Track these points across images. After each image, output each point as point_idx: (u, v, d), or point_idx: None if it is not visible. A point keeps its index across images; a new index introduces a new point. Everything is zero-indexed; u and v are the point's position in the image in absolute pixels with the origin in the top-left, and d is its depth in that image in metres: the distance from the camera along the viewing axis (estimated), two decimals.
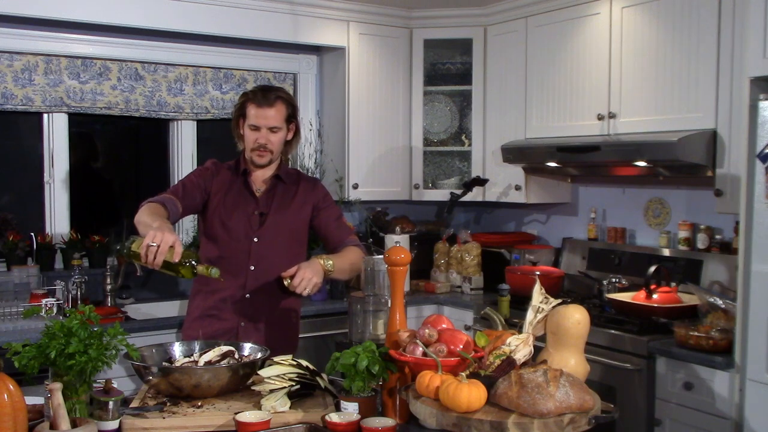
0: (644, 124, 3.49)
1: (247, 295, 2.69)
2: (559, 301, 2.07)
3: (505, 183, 4.29)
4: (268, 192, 2.77)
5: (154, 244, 2.19)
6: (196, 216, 4.17)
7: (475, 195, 4.42)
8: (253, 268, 2.70)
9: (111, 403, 1.82)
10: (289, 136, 2.77)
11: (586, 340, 2.02)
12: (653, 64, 3.46)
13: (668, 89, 3.41)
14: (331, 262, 2.61)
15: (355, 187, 4.34)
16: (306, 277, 2.44)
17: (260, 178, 2.79)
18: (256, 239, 2.71)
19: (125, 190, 4.42)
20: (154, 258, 2.19)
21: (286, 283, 2.48)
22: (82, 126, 4.06)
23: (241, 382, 2.08)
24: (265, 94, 2.70)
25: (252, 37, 4.07)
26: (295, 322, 2.81)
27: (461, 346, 1.97)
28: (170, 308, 3.92)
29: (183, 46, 4.08)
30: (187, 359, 2.17)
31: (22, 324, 3.18)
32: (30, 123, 3.88)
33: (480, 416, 1.73)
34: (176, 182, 2.83)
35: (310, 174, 4.43)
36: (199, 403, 1.97)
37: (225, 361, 2.10)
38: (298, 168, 4.44)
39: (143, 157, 4.44)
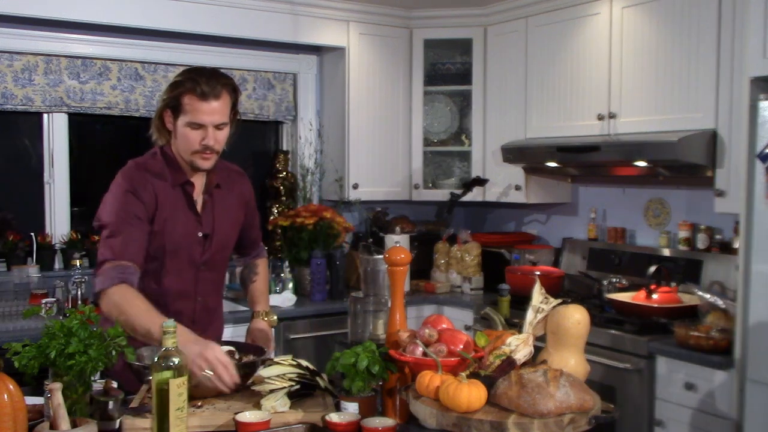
0: (644, 124, 3.49)
1: (194, 326, 2.24)
2: (559, 301, 2.07)
3: (505, 183, 4.29)
4: (207, 205, 2.34)
5: (210, 373, 1.88)
6: None
7: (475, 195, 4.42)
8: (200, 299, 2.38)
9: (111, 403, 1.82)
10: (232, 129, 2.28)
11: (586, 340, 2.02)
12: (653, 64, 3.46)
13: (668, 89, 3.41)
14: (274, 317, 2.54)
15: (355, 187, 4.34)
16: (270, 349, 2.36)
17: (198, 186, 2.32)
18: (203, 267, 2.34)
19: None
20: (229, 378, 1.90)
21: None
22: (82, 126, 4.05)
23: (241, 382, 2.07)
24: (209, 82, 2.16)
25: (252, 37, 4.07)
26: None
27: (461, 346, 1.97)
28: None
29: (183, 46, 4.08)
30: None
31: (22, 324, 3.18)
32: (30, 123, 3.88)
33: (480, 416, 1.73)
34: (115, 227, 2.16)
35: (310, 174, 4.43)
36: (199, 403, 1.97)
37: None
38: (298, 168, 4.45)
39: None
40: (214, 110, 2.18)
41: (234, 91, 2.25)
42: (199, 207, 2.33)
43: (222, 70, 3.64)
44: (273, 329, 2.57)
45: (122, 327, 1.89)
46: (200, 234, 2.32)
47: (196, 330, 2.14)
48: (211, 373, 1.90)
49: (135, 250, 2.16)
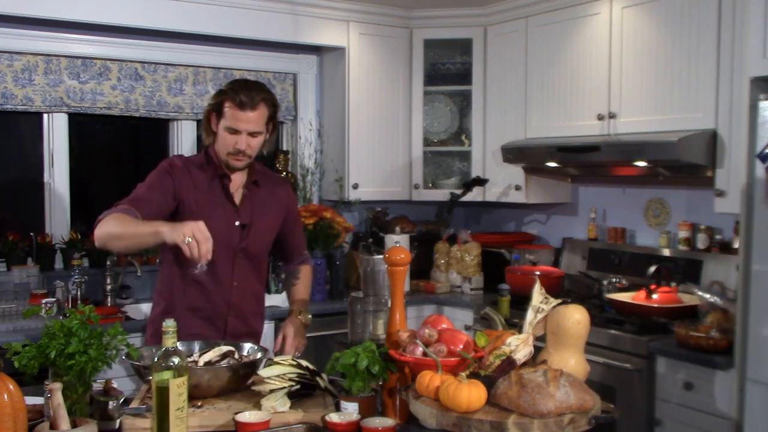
0: (644, 124, 3.49)
1: (231, 314, 2.55)
2: (559, 301, 2.07)
3: (505, 183, 4.29)
4: (246, 198, 2.56)
5: (190, 240, 2.05)
6: None
7: (475, 195, 4.42)
8: (236, 284, 2.54)
9: (111, 403, 1.82)
10: (267, 137, 2.54)
11: (586, 340, 2.02)
12: (653, 64, 3.46)
13: (668, 89, 3.41)
14: (309, 315, 2.73)
15: (355, 187, 4.34)
16: (300, 345, 2.61)
17: (237, 182, 2.56)
18: (240, 254, 2.53)
19: (125, 190, 4.40)
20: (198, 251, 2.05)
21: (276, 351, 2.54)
22: (82, 126, 4.06)
23: (241, 382, 2.08)
24: (249, 94, 2.42)
25: (252, 37, 4.07)
26: (261, 331, 2.76)
27: (461, 346, 1.97)
28: None
29: (183, 46, 4.08)
30: (187, 359, 2.17)
31: (22, 324, 3.19)
32: (30, 123, 3.88)
33: (480, 416, 1.73)
34: (136, 191, 2.46)
35: (310, 174, 4.43)
36: (199, 403, 1.97)
37: (225, 361, 2.10)
38: (298, 168, 4.45)
39: (143, 157, 4.44)
40: (249, 119, 2.43)
41: (273, 105, 2.50)
42: (237, 200, 2.55)
43: (222, 70, 3.78)
44: (306, 327, 2.74)
45: (113, 242, 2.25)
46: (237, 223, 2.53)
47: (232, 312, 2.52)
48: (191, 239, 2.04)
49: (144, 206, 2.36)
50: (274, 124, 2.54)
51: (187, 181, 2.48)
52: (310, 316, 2.75)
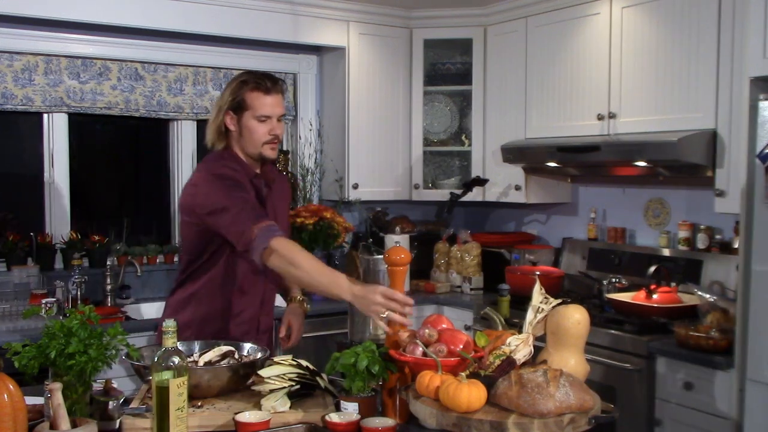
0: (644, 124, 3.49)
1: (263, 313, 2.61)
2: (559, 301, 2.07)
3: (505, 183, 4.29)
4: (268, 198, 2.54)
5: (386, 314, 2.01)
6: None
7: (475, 195, 4.42)
8: (269, 284, 2.59)
9: (111, 403, 1.82)
10: None
11: (586, 340, 2.02)
12: (653, 64, 3.46)
13: (668, 89, 3.41)
14: (308, 305, 2.79)
15: (355, 187, 4.34)
16: (301, 331, 2.68)
17: (261, 181, 2.55)
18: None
19: (125, 190, 4.42)
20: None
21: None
22: (82, 126, 4.06)
23: (241, 382, 2.08)
24: (270, 78, 2.44)
25: (252, 37, 4.07)
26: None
27: (461, 346, 1.97)
28: None
29: (183, 46, 4.08)
30: (187, 359, 2.17)
31: (22, 324, 3.18)
32: (30, 123, 3.88)
33: (480, 416, 1.73)
34: (240, 201, 2.30)
35: (310, 174, 4.43)
36: (199, 403, 1.97)
37: (225, 361, 2.10)
38: (298, 168, 4.45)
39: (143, 157, 4.44)
40: (276, 102, 2.43)
41: (285, 90, 2.56)
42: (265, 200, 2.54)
43: (222, 70, 3.74)
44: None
45: (289, 276, 2.28)
46: None
47: (263, 310, 2.57)
48: (386, 313, 1.98)
49: (264, 214, 2.32)
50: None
51: (245, 183, 2.43)
52: (308, 305, 2.80)
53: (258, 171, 2.51)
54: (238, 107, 2.42)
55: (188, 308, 2.52)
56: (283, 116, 2.49)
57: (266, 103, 2.41)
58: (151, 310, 3.87)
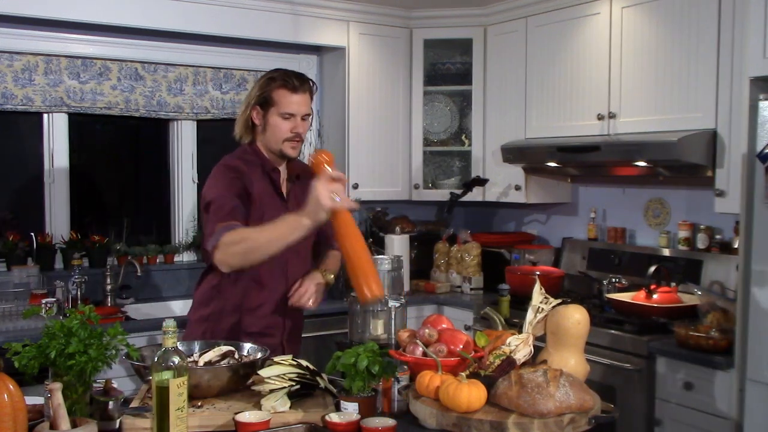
0: (644, 124, 3.49)
1: (289, 311, 2.55)
2: (559, 301, 2.07)
3: (505, 183, 4.29)
4: (291, 192, 2.56)
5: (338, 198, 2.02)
6: (195, 217, 4.20)
7: (475, 195, 4.42)
8: (290, 279, 2.54)
9: (111, 403, 1.82)
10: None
11: (586, 340, 2.02)
12: (653, 64, 3.46)
13: (668, 89, 3.41)
14: (332, 276, 2.63)
15: (355, 187, 4.34)
16: (309, 291, 2.48)
17: (282, 176, 2.57)
18: (291, 249, 2.36)
19: (125, 189, 4.42)
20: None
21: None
22: (82, 126, 4.06)
23: (241, 382, 2.08)
24: (298, 77, 2.48)
25: (252, 37, 4.07)
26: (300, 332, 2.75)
27: (461, 346, 1.97)
28: (170, 308, 3.92)
29: (183, 46, 4.08)
30: (187, 359, 2.17)
31: (22, 324, 3.18)
32: (30, 123, 3.88)
33: (480, 416, 1.73)
34: (222, 201, 2.36)
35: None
36: (199, 403, 1.97)
37: (225, 361, 2.10)
38: None
39: (143, 157, 4.44)
40: (302, 101, 2.47)
41: (313, 89, 2.54)
42: (284, 193, 2.55)
43: (222, 70, 3.70)
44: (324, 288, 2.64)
45: (249, 256, 2.20)
46: None
47: (289, 309, 2.51)
48: (338, 197, 2.02)
49: (240, 215, 2.34)
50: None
51: (248, 178, 2.45)
52: (332, 277, 2.65)
53: (280, 167, 2.55)
54: (264, 102, 2.47)
55: (212, 302, 2.55)
56: (308, 116, 2.52)
57: (292, 101, 2.45)
58: (151, 310, 3.87)
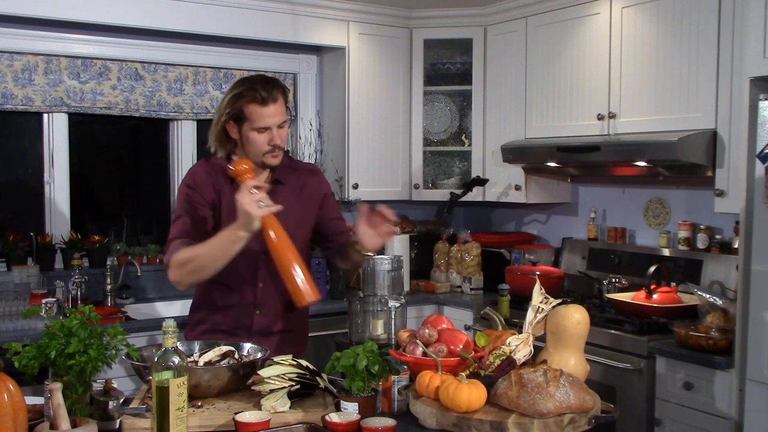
0: (644, 124, 3.49)
1: (257, 312, 2.53)
2: (559, 301, 2.07)
3: (505, 183, 4.29)
4: (272, 195, 2.42)
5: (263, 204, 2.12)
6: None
7: (475, 195, 4.42)
8: (261, 285, 2.52)
9: (111, 403, 1.82)
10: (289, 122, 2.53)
11: (586, 340, 2.02)
12: (653, 64, 3.46)
13: (668, 89, 3.41)
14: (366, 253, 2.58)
15: (355, 187, 4.34)
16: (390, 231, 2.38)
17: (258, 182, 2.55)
18: (263, 256, 2.42)
19: (125, 190, 4.42)
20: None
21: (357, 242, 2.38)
22: (82, 126, 4.06)
23: (241, 382, 2.08)
24: (266, 87, 2.39)
25: (252, 37, 4.07)
26: (305, 327, 2.71)
27: (461, 346, 1.97)
28: (170, 308, 3.92)
29: (183, 46, 4.08)
30: (187, 359, 2.17)
31: (22, 324, 3.18)
32: (30, 123, 3.88)
33: (480, 416, 1.73)
34: (175, 218, 2.44)
35: None
36: (199, 403, 1.97)
37: (225, 361, 2.10)
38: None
39: (143, 157, 4.44)
40: (274, 112, 2.39)
41: (285, 89, 2.46)
42: None
43: (222, 70, 3.67)
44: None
45: (199, 275, 2.28)
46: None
47: (259, 311, 2.50)
48: (263, 204, 2.12)
49: (191, 230, 2.38)
50: (287, 109, 2.51)
51: (209, 189, 2.45)
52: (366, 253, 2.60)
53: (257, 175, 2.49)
54: (237, 118, 2.41)
55: (200, 299, 2.62)
56: (285, 122, 2.46)
57: (264, 115, 2.38)
58: (151, 310, 3.87)
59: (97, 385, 1.87)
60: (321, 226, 2.64)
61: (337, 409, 1.93)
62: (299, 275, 2.17)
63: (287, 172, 2.56)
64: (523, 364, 1.92)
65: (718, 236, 3.60)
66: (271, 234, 2.17)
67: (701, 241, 3.60)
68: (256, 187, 2.15)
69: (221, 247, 2.25)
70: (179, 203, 2.47)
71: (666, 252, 3.74)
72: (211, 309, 2.56)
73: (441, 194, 4.54)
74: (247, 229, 2.17)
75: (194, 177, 2.49)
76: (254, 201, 2.11)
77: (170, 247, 2.37)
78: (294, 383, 2.00)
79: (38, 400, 1.88)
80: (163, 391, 1.68)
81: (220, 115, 2.45)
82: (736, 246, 3.18)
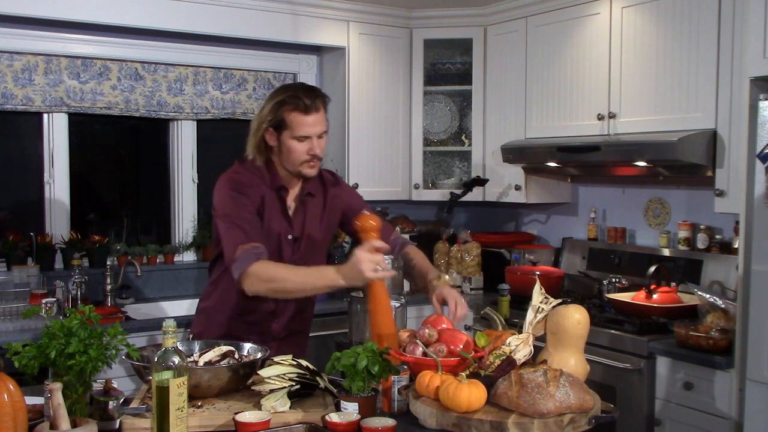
0: (644, 124, 3.49)
1: (275, 320, 2.55)
2: (559, 301, 2.07)
3: (505, 183, 4.29)
4: (299, 211, 2.51)
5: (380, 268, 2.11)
6: (195, 217, 4.20)
7: (475, 195, 4.42)
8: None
9: (111, 403, 1.82)
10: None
11: (586, 340, 2.02)
12: (653, 64, 3.46)
13: (668, 89, 3.41)
14: (447, 277, 2.62)
15: (355, 187, 4.32)
16: (461, 303, 2.37)
17: (293, 194, 2.51)
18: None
19: (125, 190, 4.42)
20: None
21: (441, 310, 2.34)
22: (82, 126, 4.06)
23: (241, 382, 2.08)
24: (309, 96, 2.37)
25: (252, 37, 4.07)
26: (308, 328, 2.75)
27: (461, 346, 1.97)
28: (170, 308, 3.92)
29: (183, 46, 4.08)
30: (187, 359, 2.17)
31: (22, 324, 3.18)
32: (30, 123, 3.87)
33: (480, 416, 1.73)
34: (236, 219, 2.35)
35: None
36: (199, 403, 1.97)
37: (225, 361, 2.10)
38: None
39: (143, 157, 4.44)
40: (316, 122, 2.37)
41: (326, 101, 2.44)
42: (291, 212, 2.50)
43: (222, 70, 3.66)
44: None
45: (279, 294, 2.30)
46: (290, 236, 2.48)
47: (277, 319, 2.52)
48: (380, 268, 2.11)
49: (256, 233, 2.35)
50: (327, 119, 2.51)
51: (256, 194, 2.42)
52: (448, 278, 2.64)
53: (291, 186, 2.49)
54: (277, 125, 2.38)
55: (213, 296, 2.59)
56: (325, 132, 2.43)
57: (305, 123, 2.36)
58: (151, 310, 3.87)
59: (97, 385, 1.87)
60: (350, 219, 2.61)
61: (337, 409, 1.93)
62: (395, 340, 2.13)
63: (316, 185, 2.55)
64: (523, 364, 1.92)
65: (718, 236, 3.60)
66: (377, 297, 2.15)
67: (701, 241, 3.60)
68: (377, 249, 2.14)
69: (314, 284, 2.27)
70: (229, 209, 2.38)
71: (666, 252, 3.74)
72: (229, 314, 2.53)
73: (441, 194, 4.54)
74: (350, 283, 2.18)
75: (238, 183, 2.42)
76: (372, 262, 2.10)
77: (241, 254, 2.28)
78: (294, 383, 2.00)
79: (38, 400, 1.88)
80: (163, 391, 1.68)
81: (260, 122, 2.41)
82: (736, 246, 3.18)
